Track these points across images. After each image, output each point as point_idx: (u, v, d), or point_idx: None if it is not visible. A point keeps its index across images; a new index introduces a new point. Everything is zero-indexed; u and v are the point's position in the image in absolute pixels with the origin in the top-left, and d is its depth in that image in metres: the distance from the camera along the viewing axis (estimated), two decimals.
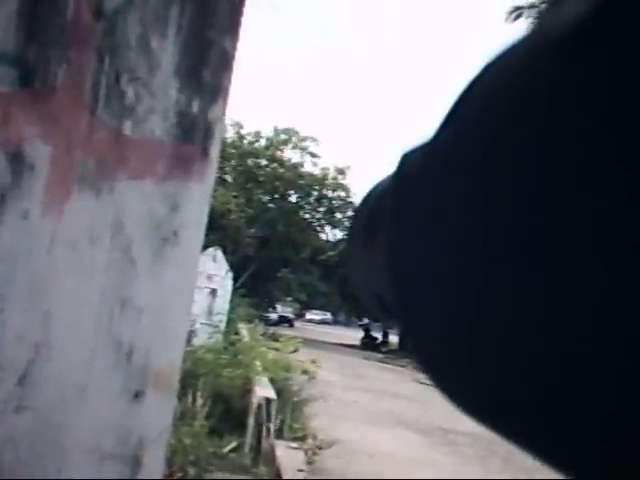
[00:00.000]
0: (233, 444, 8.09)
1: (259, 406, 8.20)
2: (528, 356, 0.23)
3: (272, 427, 8.16)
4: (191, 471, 6.55)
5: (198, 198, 1.88)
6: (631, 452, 0.20)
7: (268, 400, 8.35)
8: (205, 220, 1.94)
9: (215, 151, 1.91)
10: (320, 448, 9.10)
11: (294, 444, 8.15)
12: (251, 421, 8.29)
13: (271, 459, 7.46)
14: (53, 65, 1.51)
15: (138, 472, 1.81)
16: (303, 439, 9.27)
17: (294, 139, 36.53)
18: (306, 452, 8.19)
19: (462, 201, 0.26)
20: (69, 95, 1.55)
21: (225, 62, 1.90)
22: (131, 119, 1.69)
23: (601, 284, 0.20)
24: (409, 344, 0.31)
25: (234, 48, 1.92)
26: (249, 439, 8.16)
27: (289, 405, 9.84)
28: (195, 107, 1.84)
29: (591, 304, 0.20)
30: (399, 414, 13.68)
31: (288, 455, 7.37)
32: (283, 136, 36.45)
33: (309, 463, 7.75)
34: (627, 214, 0.19)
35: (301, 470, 7.09)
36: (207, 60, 1.86)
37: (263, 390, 8.87)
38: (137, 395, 1.81)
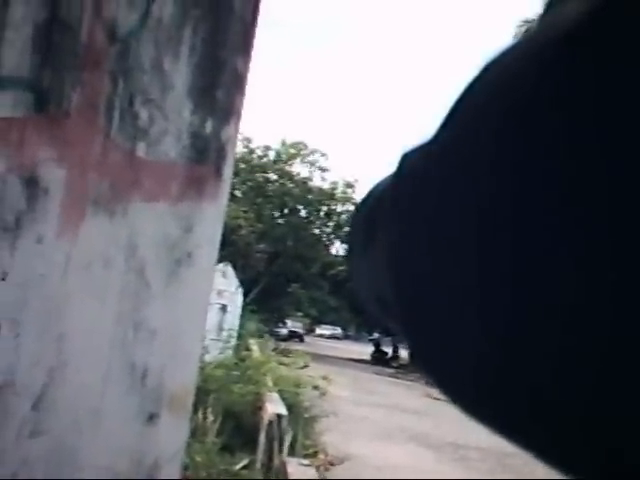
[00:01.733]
0: (245, 461, 8.06)
1: (270, 422, 8.17)
2: (528, 357, 0.23)
3: (283, 444, 8.12)
4: None
5: (212, 218, 1.88)
6: (631, 453, 0.20)
7: (279, 416, 8.31)
8: (219, 240, 1.94)
9: (228, 171, 1.92)
10: (332, 464, 9.07)
11: (305, 461, 8.11)
12: (262, 438, 8.25)
13: (282, 476, 7.43)
14: (67, 89, 1.51)
15: None
16: (315, 455, 9.24)
17: (303, 153, 36.64)
18: (318, 468, 8.16)
19: (462, 201, 0.26)
20: (83, 118, 1.55)
21: (238, 82, 1.91)
22: (145, 141, 1.70)
23: (605, 287, 0.20)
24: (409, 344, 0.31)
25: (247, 68, 1.93)
26: (260, 456, 8.13)
27: (300, 421, 9.80)
28: (208, 128, 1.85)
29: (595, 308, 0.20)
30: (410, 429, 13.62)
31: (300, 472, 7.33)
32: (292, 150, 36.55)
33: (320, 479, 7.72)
34: (633, 217, 0.19)
35: None
36: (220, 81, 1.86)
37: (274, 406, 8.84)
38: (151, 417, 1.81)
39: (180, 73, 1.76)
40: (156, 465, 1.82)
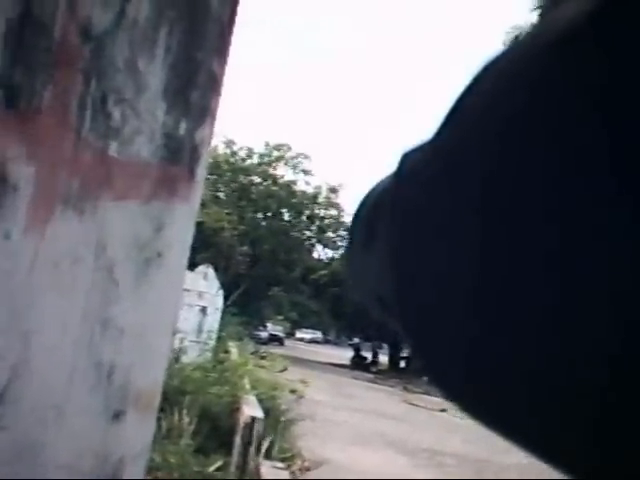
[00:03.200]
0: (219, 463, 8.03)
1: (246, 425, 8.15)
2: (526, 357, 0.23)
3: (259, 446, 8.11)
4: None
5: (183, 219, 1.89)
6: (627, 452, 0.21)
7: (255, 419, 8.30)
8: (190, 241, 1.94)
9: (202, 172, 1.92)
10: (308, 469, 9.06)
11: (279, 464, 8.11)
12: (238, 440, 8.24)
13: (256, 478, 7.42)
14: (39, 86, 1.51)
15: None
16: (291, 459, 9.23)
17: (287, 156, 36.60)
18: (293, 472, 8.14)
19: (461, 201, 0.26)
20: (54, 116, 1.55)
21: (213, 84, 1.91)
22: (117, 140, 1.69)
23: (602, 289, 0.20)
24: (409, 344, 0.31)
25: (223, 70, 1.93)
26: (235, 458, 8.11)
27: (277, 424, 9.79)
28: (182, 129, 1.85)
29: (591, 309, 0.20)
30: (387, 435, 13.62)
31: (273, 474, 7.33)
32: (275, 152, 36.50)
33: None
34: (632, 222, 0.19)
35: None
36: (195, 82, 1.86)
37: (250, 409, 8.82)
38: (117, 415, 1.80)
39: (155, 73, 1.76)
40: (121, 463, 1.82)
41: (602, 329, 0.20)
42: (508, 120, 0.24)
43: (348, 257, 0.47)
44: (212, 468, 7.82)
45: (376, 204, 0.40)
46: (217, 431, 8.99)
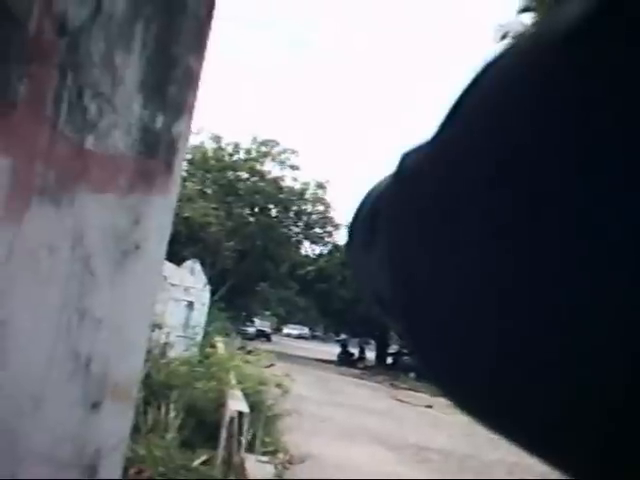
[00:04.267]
0: (204, 457, 8.03)
1: (231, 419, 8.15)
2: (525, 355, 0.23)
3: (243, 441, 8.11)
4: None
5: (161, 212, 1.90)
6: (628, 453, 0.21)
7: (241, 414, 8.29)
8: (168, 234, 1.96)
9: (179, 165, 1.94)
10: (291, 463, 9.07)
11: (264, 458, 8.10)
12: (223, 434, 8.24)
13: (240, 472, 7.42)
14: (14, 80, 1.53)
15: None
16: (274, 453, 9.23)
17: (274, 151, 36.50)
18: (276, 466, 8.15)
19: (462, 202, 0.26)
20: (30, 110, 1.56)
21: (190, 79, 1.92)
22: (93, 134, 1.71)
23: (617, 292, 0.20)
24: (407, 343, 0.31)
25: (200, 65, 1.94)
26: (220, 452, 8.11)
27: (262, 419, 9.79)
28: (159, 123, 1.86)
29: (594, 309, 0.20)
30: (373, 430, 13.62)
31: (257, 468, 7.33)
32: (263, 148, 36.41)
33: (278, 476, 7.71)
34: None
35: None
36: (172, 77, 1.88)
37: (236, 403, 8.82)
38: (94, 405, 1.81)
39: (131, 68, 1.78)
40: (98, 453, 1.83)
41: (606, 329, 0.20)
42: (512, 119, 0.24)
43: (349, 257, 0.47)
44: (197, 462, 7.82)
45: (376, 204, 0.41)
46: (203, 425, 8.98)
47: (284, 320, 56.31)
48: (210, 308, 15.60)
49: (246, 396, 9.82)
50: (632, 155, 0.20)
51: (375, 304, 0.41)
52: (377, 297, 0.39)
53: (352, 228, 0.46)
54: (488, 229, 0.24)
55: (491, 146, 0.25)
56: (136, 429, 6.63)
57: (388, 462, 10.97)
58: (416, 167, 0.31)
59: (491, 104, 0.26)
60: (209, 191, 34.33)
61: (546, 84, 0.23)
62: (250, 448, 8.45)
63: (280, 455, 9.30)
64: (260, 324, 47.18)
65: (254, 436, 8.89)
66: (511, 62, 0.26)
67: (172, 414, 8.51)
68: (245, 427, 8.25)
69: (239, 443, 7.98)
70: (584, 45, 0.22)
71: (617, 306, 0.20)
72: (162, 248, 1.95)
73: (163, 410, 8.51)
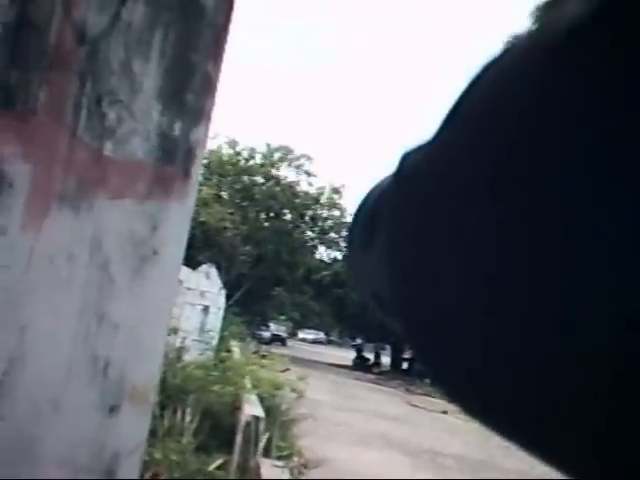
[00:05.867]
0: (219, 461, 8.04)
1: (247, 424, 8.15)
2: (528, 357, 0.23)
3: (259, 445, 8.11)
4: None
5: (178, 218, 1.91)
6: (626, 453, 0.20)
7: (256, 418, 8.29)
8: (185, 240, 1.96)
9: (196, 172, 1.95)
10: (305, 467, 9.05)
11: (280, 462, 8.10)
12: (239, 439, 8.24)
13: (256, 477, 7.42)
14: (34, 87, 1.54)
15: None
16: (289, 457, 9.22)
17: (289, 157, 36.50)
18: (292, 470, 8.14)
19: (461, 201, 0.26)
20: (50, 116, 1.58)
21: (208, 86, 1.94)
22: (112, 140, 1.72)
23: (616, 292, 0.20)
24: (409, 343, 0.31)
25: (218, 72, 1.96)
26: (236, 456, 8.11)
27: (277, 423, 9.79)
28: (177, 130, 1.87)
29: (596, 310, 0.20)
30: (388, 435, 13.59)
31: (273, 473, 7.33)
32: (277, 154, 36.42)
33: None
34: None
35: None
36: (190, 84, 1.89)
37: (251, 408, 8.82)
38: (112, 409, 1.82)
39: (149, 75, 1.79)
40: (116, 458, 1.84)
41: (607, 330, 0.20)
42: (513, 119, 0.24)
43: (349, 258, 0.47)
44: (213, 466, 7.83)
45: (376, 205, 0.41)
46: (218, 429, 8.98)
47: (299, 325, 56.25)
48: (225, 312, 15.60)
49: (261, 400, 9.83)
50: (631, 155, 0.20)
51: (374, 305, 0.41)
52: (376, 297, 0.39)
53: (352, 231, 0.46)
54: (486, 229, 0.24)
55: (489, 146, 0.25)
56: (152, 433, 6.63)
57: (402, 467, 10.94)
58: (416, 167, 0.31)
59: (489, 104, 0.26)
60: (225, 195, 34.37)
61: (544, 84, 0.23)
62: (266, 452, 8.45)
63: (295, 459, 9.28)
64: (275, 328, 47.07)
65: (269, 440, 8.87)
66: (510, 62, 0.26)
67: (188, 418, 8.52)
68: (260, 431, 8.25)
69: (255, 447, 7.98)
70: (583, 45, 0.22)
71: (615, 306, 0.20)
72: (180, 254, 1.96)
73: (179, 414, 8.52)
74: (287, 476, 7.44)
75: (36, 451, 1.68)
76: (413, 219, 0.30)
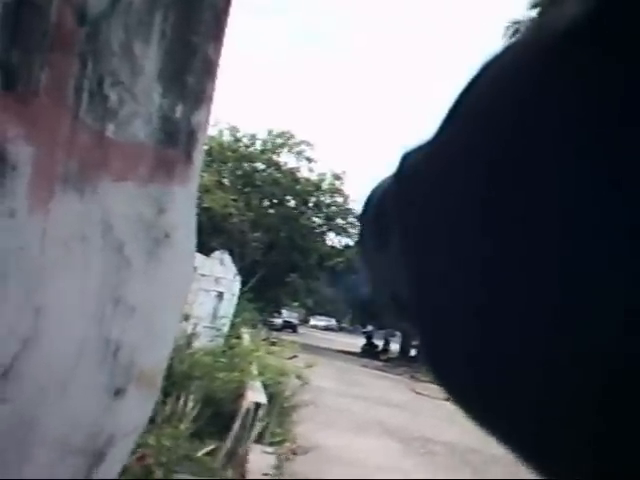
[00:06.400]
0: (209, 447, 7.96)
1: (247, 411, 8.12)
2: (533, 358, 0.23)
3: (254, 431, 8.08)
4: (158, 472, 6.44)
5: (184, 202, 1.90)
6: (624, 453, 0.20)
7: (257, 405, 8.26)
8: (194, 224, 1.96)
9: (198, 156, 1.94)
10: (294, 453, 9.01)
11: (269, 448, 8.07)
12: (237, 425, 8.21)
13: (241, 462, 7.40)
14: (36, 69, 1.54)
15: (96, 468, 1.82)
16: (281, 444, 9.19)
17: (290, 143, 36.29)
18: (279, 457, 8.10)
19: (463, 199, 0.26)
20: (51, 98, 1.57)
21: (209, 68, 1.93)
22: (114, 122, 1.72)
23: (614, 285, 0.20)
24: (420, 342, 0.31)
25: (218, 55, 1.95)
26: (228, 443, 8.06)
27: (277, 410, 9.78)
28: (178, 112, 1.87)
29: (597, 310, 0.20)
30: (386, 423, 13.47)
31: (259, 459, 7.29)
32: (278, 140, 36.22)
33: (277, 467, 7.63)
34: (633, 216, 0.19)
35: (266, 474, 7.01)
36: (190, 66, 1.88)
37: (254, 394, 8.78)
38: (118, 392, 1.82)
39: (150, 57, 1.78)
40: (110, 440, 1.83)
41: (605, 330, 0.20)
42: (511, 118, 0.24)
43: (361, 258, 0.47)
44: (201, 452, 7.75)
45: (380, 205, 0.41)
46: (219, 416, 8.87)
47: (311, 311, 56.18)
48: (239, 299, 15.47)
49: (265, 387, 9.80)
50: (628, 155, 0.20)
51: (389, 304, 0.41)
52: (392, 296, 0.39)
53: (361, 230, 0.46)
54: (484, 229, 0.25)
55: (486, 145, 0.25)
56: (151, 419, 6.56)
57: (392, 454, 10.88)
58: (415, 167, 0.32)
59: (487, 104, 0.26)
60: (226, 182, 34.21)
61: (542, 84, 0.23)
62: (259, 439, 8.42)
63: (287, 445, 9.26)
64: (287, 315, 46.89)
65: (264, 427, 8.83)
66: (508, 62, 0.26)
67: (190, 404, 8.47)
68: (260, 418, 8.22)
69: (251, 433, 7.95)
70: (582, 45, 0.22)
71: (613, 307, 0.20)
72: (192, 237, 1.95)
73: (182, 401, 8.48)
74: (273, 461, 7.43)
75: (33, 432, 1.67)
76: (414, 219, 0.30)
